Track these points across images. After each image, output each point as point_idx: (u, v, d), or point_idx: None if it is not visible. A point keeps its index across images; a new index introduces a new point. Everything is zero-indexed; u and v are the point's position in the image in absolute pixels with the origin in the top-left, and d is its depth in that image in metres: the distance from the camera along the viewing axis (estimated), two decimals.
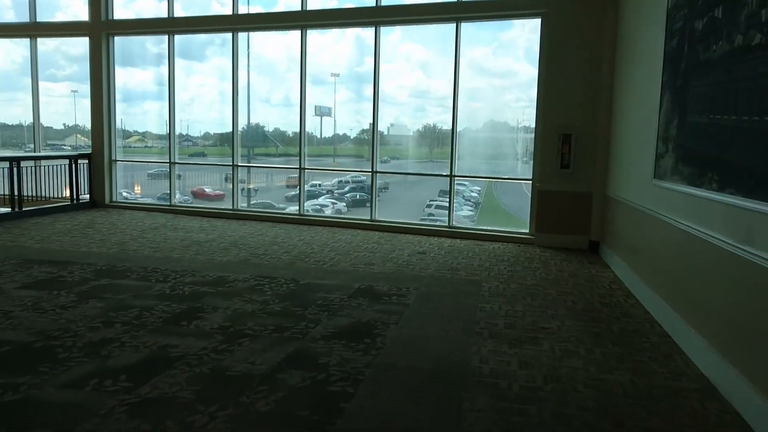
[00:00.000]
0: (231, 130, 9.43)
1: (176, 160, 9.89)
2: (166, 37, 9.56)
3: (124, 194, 10.53)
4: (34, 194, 9.39)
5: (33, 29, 10.29)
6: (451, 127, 8.06)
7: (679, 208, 3.99)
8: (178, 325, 3.91)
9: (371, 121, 8.62)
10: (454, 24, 7.84)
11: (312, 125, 9.41)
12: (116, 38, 9.90)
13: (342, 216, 9.45)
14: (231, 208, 9.50)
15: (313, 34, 8.88)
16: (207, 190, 11.01)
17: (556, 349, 3.67)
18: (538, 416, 2.77)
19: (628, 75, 6.09)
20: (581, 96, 7.11)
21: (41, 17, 10.26)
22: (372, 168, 8.61)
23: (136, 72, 10.45)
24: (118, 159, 10.13)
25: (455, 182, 8.26)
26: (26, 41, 10.49)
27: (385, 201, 9.20)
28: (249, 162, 9.97)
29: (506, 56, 8.69)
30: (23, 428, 2.50)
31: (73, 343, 3.49)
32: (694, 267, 3.68)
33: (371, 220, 8.57)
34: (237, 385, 2.97)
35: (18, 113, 11.77)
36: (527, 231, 7.70)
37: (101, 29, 9.66)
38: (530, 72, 7.95)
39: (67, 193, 9.79)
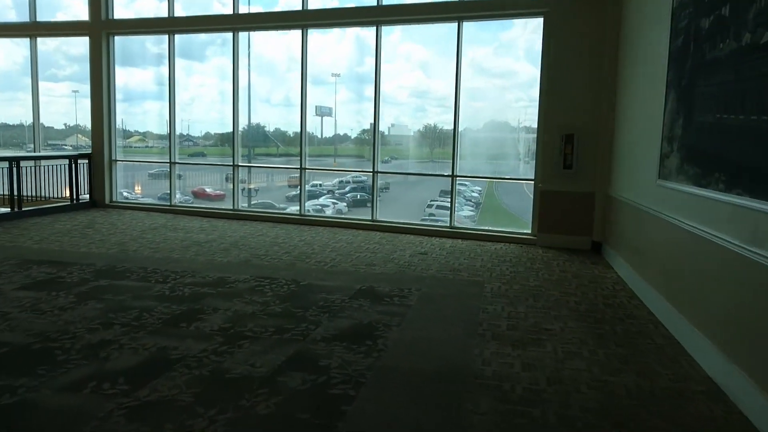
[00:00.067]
0: (231, 130, 9.40)
1: (176, 160, 9.86)
2: (167, 36, 9.53)
3: (125, 194, 10.51)
4: (34, 194, 9.36)
5: (33, 29, 10.26)
6: (452, 127, 8.02)
7: (684, 209, 3.95)
8: (178, 326, 3.87)
9: (372, 121, 8.58)
10: (456, 23, 7.80)
11: (313, 125, 9.38)
12: (116, 38, 9.87)
13: (343, 216, 9.41)
14: (231, 208, 9.46)
15: (313, 34, 8.85)
16: (208, 190, 10.98)
17: (559, 351, 3.63)
18: (541, 418, 2.73)
19: (631, 74, 6.05)
20: (583, 96, 7.06)
21: (42, 17, 10.23)
22: (373, 168, 8.57)
23: (137, 72, 10.44)
24: (118, 159, 10.10)
25: (456, 182, 8.21)
26: (27, 41, 10.46)
27: (386, 201, 9.17)
28: (249, 162, 9.94)
29: (506, 56, 8.66)
30: None
31: (72, 344, 3.46)
32: (699, 268, 3.64)
33: (372, 221, 8.54)
34: (237, 387, 2.93)
35: (19, 113, 11.78)
36: (529, 231, 7.66)
37: (101, 29, 9.63)
38: (531, 72, 7.93)
39: (67, 193, 9.76)
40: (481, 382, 3.12)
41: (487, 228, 8.07)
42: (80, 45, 10.32)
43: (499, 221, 9.14)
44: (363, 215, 8.87)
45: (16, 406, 2.67)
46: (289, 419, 2.64)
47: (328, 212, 9.99)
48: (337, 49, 9.64)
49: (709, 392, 3.08)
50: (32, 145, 10.89)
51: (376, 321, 4.10)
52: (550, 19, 7.23)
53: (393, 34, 8.84)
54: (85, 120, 10.29)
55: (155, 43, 10.00)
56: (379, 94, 8.41)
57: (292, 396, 2.86)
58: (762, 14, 2.84)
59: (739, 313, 3.01)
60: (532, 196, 7.71)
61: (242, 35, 9.22)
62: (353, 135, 10.17)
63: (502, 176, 8.79)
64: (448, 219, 8.19)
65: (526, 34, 8.29)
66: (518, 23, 8.33)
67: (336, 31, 9.49)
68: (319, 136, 10.02)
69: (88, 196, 9.99)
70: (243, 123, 9.56)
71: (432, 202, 9.68)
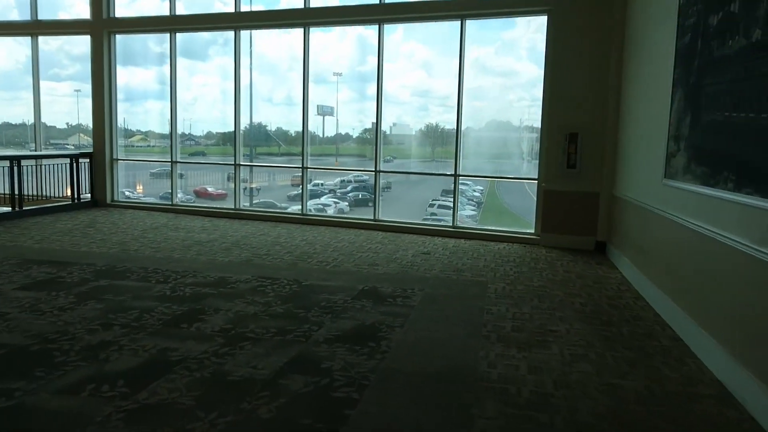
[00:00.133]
0: (233, 129, 9.36)
1: (178, 160, 9.82)
2: (168, 36, 9.48)
3: (127, 193, 10.47)
4: (35, 193, 9.34)
5: (34, 27, 10.23)
6: (455, 126, 7.96)
7: (691, 208, 3.89)
8: (179, 327, 3.82)
9: (374, 121, 8.53)
10: (459, 21, 7.74)
11: (314, 124, 9.34)
12: (118, 37, 9.83)
13: (345, 216, 9.37)
14: (233, 207, 9.41)
15: (315, 33, 8.80)
16: (209, 189, 10.95)
17: (565, 353, 3.57)
18: (549, 424, 2.67)
19: (636, 72, 5.98)
20: (588, 94, 7.00)
21: (45, 17, 10.19)
22: (375, 167, 8.52)
23: (139, 71, 10.40)
24: (119, 158, 10.05)
25: (459, 181, 8.16)
26: (29, 41, 10.42)
27: (388, 200, 9.12)
28: (251, 161, 9.90)
29: (508, 55, 8.61)
30: None
31: (71, 346, 3.41)
32: (707, 268, 3.58)
33: (374, 220, 8.48)
34: (238, 390, 2.88)
35: (21, 112, 11.75)
36: (532, 231, 7.60)
37: (103, 27, 9.59)
38: (533, 71, 7.88)
39: (69, 192, 9.72)
40: (486, 385, 3.07)
41: (489, 228, 8.01)
42: (82, 44, 10.28)
43: (501, 221, 9.08)
44: (365, 215, 8.82)
45: (13, 410, 2.62)
46: (291, 423, 2.59)
47: (330, 212, 9.95)
48: (339, 48, 9.60)
49: (719, 396, 3.02)
50: (34, 145, 10.86)
51: (379, 322, 4.05)
52: (554, 17, 7.17)
53: (395, 33, 8.78)
54: (88, 119, 10.26)
55: (157, 43, 9.96)
56: (382, 93, 8.35)
57: (294, 399, 2.81)
58: None
59: (749, 314, 2.95)
60: (534, 196, 7.66)
61: (244, 34, 9.17)
62: (355, 134, 10.13)
63: (505, 175, 8.72)
64: (451, 218, 8.13)
65: (528, 34, 8.24)
66: (520, 22, 8.27)
67: (338, 30, 9.44)
68: (321, 136, 9.98)
69: (89, 195, 9.96)
70: (245, 122, 9.52)
71: (434, 202, 9.64)
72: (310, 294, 4.73)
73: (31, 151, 10.88)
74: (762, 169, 2.86)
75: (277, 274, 5.40)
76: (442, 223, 8.42)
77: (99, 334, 3.62)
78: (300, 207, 9.07)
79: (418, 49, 9.30)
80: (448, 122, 8.44)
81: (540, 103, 7.45)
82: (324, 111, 9.57)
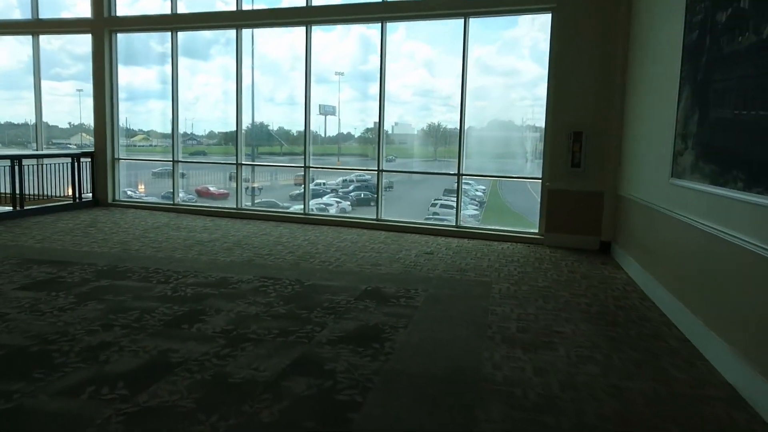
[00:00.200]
0: (235, 128, 9.32)
1: (180, 159, 9.78)
2: (170, 35, 9.44)
3: (129, 193, 10.45)
4: (37, 193, 9.31)
5: (35, 26, 10.20)
6: (458, 126, 7.91)
7: (699, 208, 3.83)
8: (180, 328, 3.77)
9: (376, 120, 8.49)
10: (462, 19, 7.69)
11: (316, 124, 9.30)
12: (120, 36, 9.79)
13: (347, 215, 9.32)
14: (235, 207, 9.37)
15: (317, 32, 8.75)
16: (211, 188, 10.92)
17: (571, 355, 3.52)
18: (556, 427, 2.62)
19: (642, 70, 5.92)
20: (592, 92, 6.94)
21: (46, 17, 10.16)
22: (378, 166, 8.47)
23: (141, 71, 10.37)
24: (120, 157, 10.02)
25: (462, 181, 8.10)
26: (31, 40, 10.39)
27: (390, 200, 9.07)
28: (253, 161, 9.86)
29: (510, 54, 8.55)
30: None
31: (70, 347, 3.36)
32: (716, 269, 3.52)
33: (377, 220, 8.44)
34: (240, 393, 2.84)
35: (23, 112, 11.74)
36: (536, 231, 7.54)
37: (104, 26, 9.55)
38: (534, 70, 7.83)
39: (70, 191, 9.70)
40: (492, 387, 3.02)
41: (493, 227, 7.96)
42: (85, 44, 10.24)
43: (503, 220, 9.04)
44: (367, 214, 8.77)
45: (11, 413, 2.58)
46: (293, 427, 2.54)
47: (332, 211, 9.91)
48: (341, 47, 9.55)
49: (729, 398, 2.96)
50: (35, 144, 10.84)
51: (382, 323, 4.00)
52: (558, 15, 7.10)
53: (397, 32, 8.73)
54: (90, 119, 10.23)
55: (159, 42, 9.93)
56: (384, 92, 8.29)
57: (297, 402, 2.76)
58: None
59: (760, 316, 2.89)
60: (536, 195, 7.60)
61: (246, 33, 9.13)
62: (357, 134, 10.09)
63: (509, 175, 8.66)
64: (454, 218, 8.08)
65: (530, 33, 8.19)
66: (522, 21, 8.22)
67: (339, 30, 9.40)
68: (323, 135, 9.94)
69: (90, 194, 9.93)
70: (247, 122, 9.48)
71: (436, 201, 9.60)
72: (313, 294, 4.68)
73: (32, 150, 10.86)
74: None
75: (279, 274, 5.36)
76: (445, 223, 8.37)
77: (99, 335, 3.58)
78: (302, 206, 9.02)
79: (420, 48, 9.26)
80: (450, 122, 8.39)
81: (542, 102, 7.40)
82: (326, 110, 9.53)
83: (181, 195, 9.91)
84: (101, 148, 9.80)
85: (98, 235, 7.15)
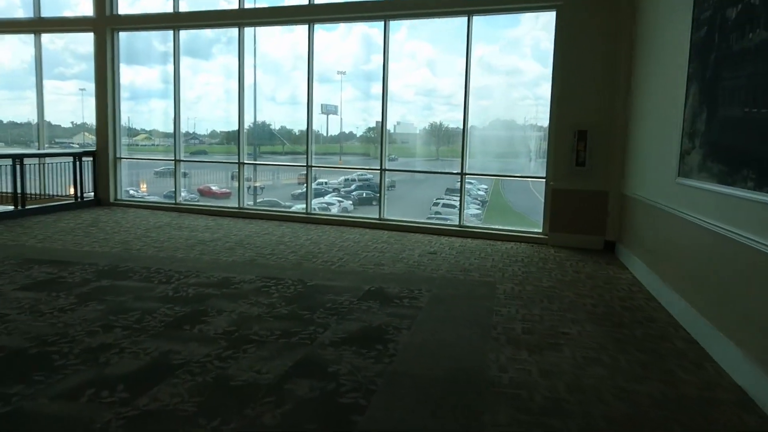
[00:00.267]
0: (237, 128, 9.28)
1: (182, 158, 9.75)
2: (172, 33, 9.41)
3: (131, 192, 10.42)
4: (38, 192, 9.28)
5: (37, 25, 10.17)
6: (462, 125, 7.85)
7: (707, 208, 3.78)
8: (181, 329, 3.73)
9: (378, 119, 8.44)
10: (466, 17, 7.63)
11: (318, 123, 9.26)
12: (122, 35, 9.76)
13: (350, 215, 9.28)
14: (237, 206, 9.34)
15: (319, 32, 8.70)
16: (213, 188, 10.89)
17: (578, 357, 3.47)
18: (564, 430, 2.57)
19: (647, 67, 5.86)
20: (597, 90, 6.88)
21: (49, 15, 10.13)
22: (381, 166, 8.42)
23: (143, 70, 10.36)
24: (122, 157, 9.99)
25: (465, 180, 8.05)
26: (33, 39, 10.36)
27: (392, 199, 9.03)
28: (255, 160, 9.82)
29: (512, 54, 8.50)
30: None
31: (70, 349, 3.33)
32: (724, 269, 3.47)
33: (380, 219, 8.39)
34: (242, 396, 2.80)
35: (26, 111, 11.73)
36: (540, 230, 7.49)
37: (106, 24, 9.52)
38: (536, 70, 7.80)
39: (72, 191, 9.67)
40: (498, 390, 2.97)
41: (497, 227, 7.90)
42: (87, 43, 10.21)
43: (506, 220, 8.99)
44: (370, 213, 8.72)
45: (10, 416, 2.54)
46: (296, 430, 2.50)
47: (334, 210, 9.87)
48: (343, 46, 9.51)
49: (739, 401, 2.91)
50: (38, 143, 10.82)
51: (385, 324, 3.95)
52: (563, 12, 7.05)
53: (399, 32, 8.69)
54: (92, 118, 10.21)
55: (161, 42, 9.90)
56: (387, 91, 8.24)
57: (300, 405, 2.72)
58: None
59: None
60: (538, 195, 7.55)
61: (248, 32, 9.09)
62: (359, 133, 10.06)
63: (512, 174, 8.61)
64: (457, 217, 8.03)
65: (532, 32, 8.14)
66: (525, 20, 8.17)
67: (342, 29, 9.36)
68: (325, 134, 9.90)
69: (92, 194, 9.90)
70: (249, 121, 9.44)
71: (438, 201, 9.55)
72: (316, 295, 4.64)
73: (34, 149, 10.84)
74: None
75: (281, 274, 5.32)
76: (448, 223, 8.32)
77: (99, 337, 3.54)
78: (304, 206, 8.98)
79: (422, 47, 9.22)
80: (453, 121, 8.35)
81: (543, 101, 7.36)
82: (328, 110, 9.50)
83: (183, 194, 9.88)
84: (103, 147, 9.77)
85: (99, 235, 7.12)
